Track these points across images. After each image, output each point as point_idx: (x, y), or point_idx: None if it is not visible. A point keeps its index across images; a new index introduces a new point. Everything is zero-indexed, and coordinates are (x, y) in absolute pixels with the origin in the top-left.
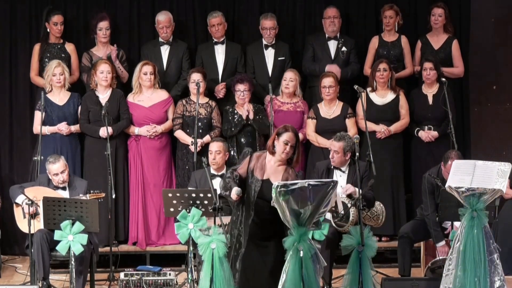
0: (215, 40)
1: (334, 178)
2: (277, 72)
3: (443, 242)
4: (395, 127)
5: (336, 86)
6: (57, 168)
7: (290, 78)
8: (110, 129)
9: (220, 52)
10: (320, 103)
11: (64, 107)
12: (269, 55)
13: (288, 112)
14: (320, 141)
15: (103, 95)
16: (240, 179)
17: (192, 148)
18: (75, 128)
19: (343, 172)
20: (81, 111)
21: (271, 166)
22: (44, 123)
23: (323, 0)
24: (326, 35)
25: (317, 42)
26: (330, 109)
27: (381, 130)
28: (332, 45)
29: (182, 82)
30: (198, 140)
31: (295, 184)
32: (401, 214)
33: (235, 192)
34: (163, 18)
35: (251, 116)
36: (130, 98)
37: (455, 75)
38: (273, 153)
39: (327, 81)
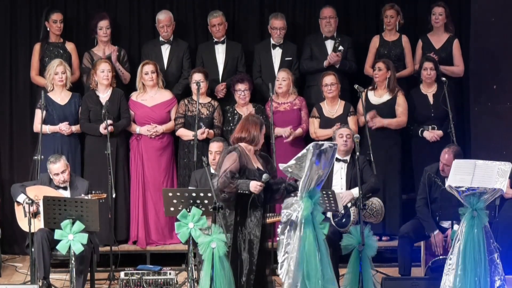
0: (216, 39)
1: (335, 170)
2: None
3: (436, 231)
4: (390, 121)
5: (337, 84)
6: (57, 168)
7: (282, 78)
8: (111, 126)
9: (220, 52)
10: (322, 102)
11: (65, 107)
12: (276, 55)
13: (285, 112)
14: (320, 133)
15: (104, 95)
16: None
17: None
18: (76, 128)
19: (345, 162)
20: (82, 110)
21: (251, 155)
22: (45, 122)
23: (323, 0)
24: (323, 35)
25: (314, 42)
26: (332, 108)
27: (371, 118)
28: (329, 45)
29: (183, 81)
30: (202, 129)
31: (323, 144)
32: (395, 213)
33: (263, 178)
34: (163, 17)
35: None
36: (134, 96)
37: (455, 74)
38: (256, 144)
39: (328, 79)
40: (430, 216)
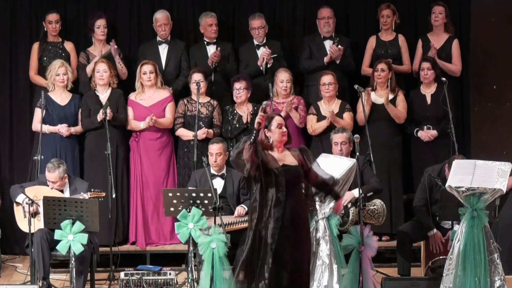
0: (207, 40)
1: None
2: (271, 70)
3: (435, 230)
4: (392, 107)
5: (335, 83)
6: (51, 177)
7: (286, 80)
8: (109, 112)
9: (211, 52)
10: (320, 101)
11: (66, 107)
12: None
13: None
14: (316, 126)
15: (103, 95)
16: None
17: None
18: (75, 129)
19: None
20: (82, 110)
21: (278, 155)
22: (44, 121)
23: (323, 0)
24: (322, 35)
25: (313, 43)
26: (329, 107)
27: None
28: (328, 45)
29: (182, 79)
30: (203, 129)
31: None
32: (398, 213)
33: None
34: (161, 16)
35: (246, 120)
36: (132, 96)
37: (452, 72)
38: (270, 146)
39: (326, 79)
40: (428, 216)
